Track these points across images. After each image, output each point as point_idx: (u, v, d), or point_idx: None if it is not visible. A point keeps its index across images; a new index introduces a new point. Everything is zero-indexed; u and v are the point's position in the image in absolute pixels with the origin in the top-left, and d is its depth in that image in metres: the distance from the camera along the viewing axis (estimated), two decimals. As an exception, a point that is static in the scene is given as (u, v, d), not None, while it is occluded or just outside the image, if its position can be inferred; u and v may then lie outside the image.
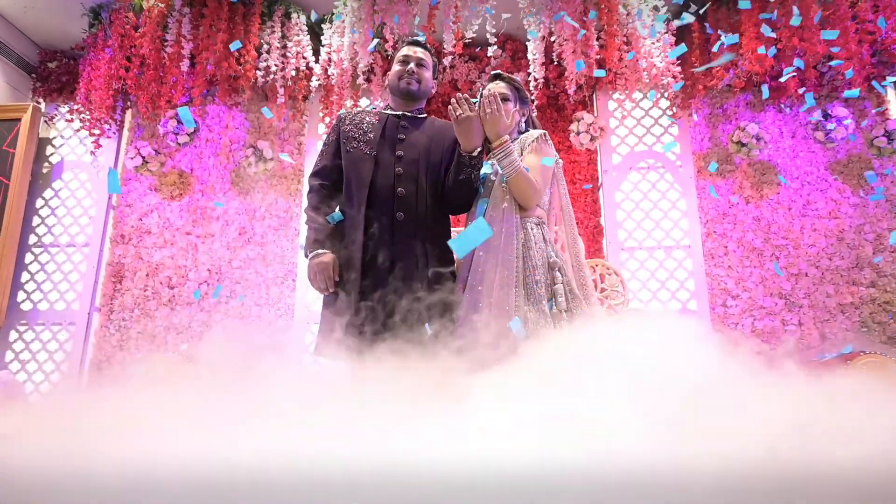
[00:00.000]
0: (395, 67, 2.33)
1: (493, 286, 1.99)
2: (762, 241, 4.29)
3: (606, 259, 4.34)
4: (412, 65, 2.30)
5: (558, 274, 2.07)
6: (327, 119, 4.50)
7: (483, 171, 2.22)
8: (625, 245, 4.40)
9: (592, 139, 4.36)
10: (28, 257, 4.54)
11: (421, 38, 2.40)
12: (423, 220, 2.12)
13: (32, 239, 4.59)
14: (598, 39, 4.01)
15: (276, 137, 4.68)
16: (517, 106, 2.35)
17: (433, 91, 2.44)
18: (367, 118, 2.30)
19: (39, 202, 4.64)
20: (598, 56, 3.87)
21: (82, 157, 4.71)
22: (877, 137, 4.15)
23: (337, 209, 2.22)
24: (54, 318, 4.44)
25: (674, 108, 4.43)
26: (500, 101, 2.22)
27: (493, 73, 2.43)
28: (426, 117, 2.37)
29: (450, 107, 2.10)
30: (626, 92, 4.25)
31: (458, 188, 2.14)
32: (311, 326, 4.34)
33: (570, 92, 3.92)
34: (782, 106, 4.45)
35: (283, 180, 4.65)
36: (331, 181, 2.24)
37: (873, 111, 4.31)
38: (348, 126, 2.28)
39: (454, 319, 1.98)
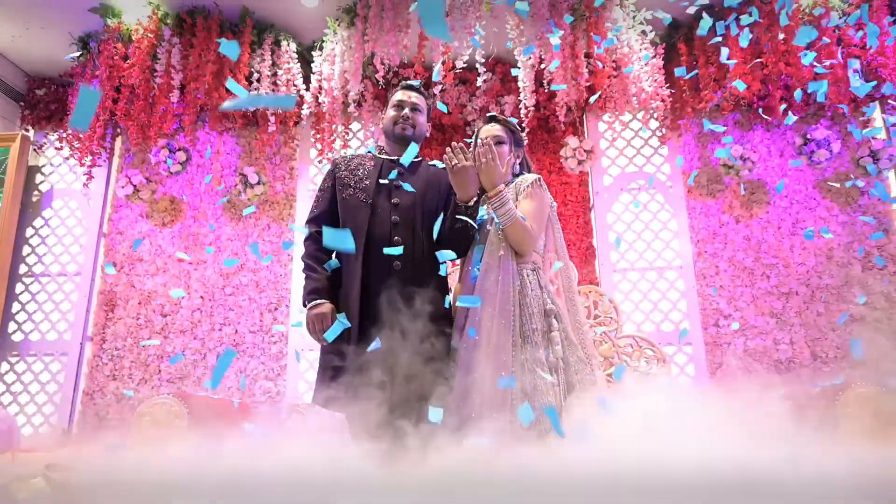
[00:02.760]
0: (390, 112, 2.34)
1: (491, 335, 2.00)
2: (753, 261, 4.32)
3: (599, 279, 4.37)
4: (406, 110, 2.32)
5: (554, 321, 2.08)
6: (318, 145, 4.51)
7: (479, 215, 2.23)
8: (617, 266, 4.42)
9: (580, 163, 4.38)
10: (18, 287, 4.51)
11: (415, 84, 2.41)
12: (420, 269, 2.12)
13: (23, 269, 4.55)
14: (587, 66, 4.04)
15: (267, 163, 4.68)
16: (512, 148, 2.37)
17: (427, 134, 2.46)
18: (363, 163, 2.31)
19: (29, 231, 4.61)
20: (588, 83, 3.90)
21: (72, 185, 4.69)
22: (862, 157, 4.20)
23: (334, 255, 2.22)
24: (46, 348, 4.41)
25: (663, 130, 4.46)
26: (495, 150, 2.24)
27: (487, 115, 2.45)
28: (421, 160, 2.39)
29: (445, 156, 2.11)
30: (616, 113, 4.28)
31: (455, 236, 2.15)
32: (306, 353, 4.34)
33: (561, 118, 3.94)
34: (770, 125, 4.49)
35: (276, 205, 4.65)
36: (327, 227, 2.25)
37: (860, 130, 4.36)
38: (343, 172, 2.29)
39: (450, 373, 1.99)
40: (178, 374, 4.33)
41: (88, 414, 4.25)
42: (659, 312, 4.32)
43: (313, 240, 2.23)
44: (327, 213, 2.26)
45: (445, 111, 3.52)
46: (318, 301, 2.09)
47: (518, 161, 2.42)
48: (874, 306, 4.14)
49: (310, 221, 2.28)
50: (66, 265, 4.56)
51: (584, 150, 4.38)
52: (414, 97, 2.36)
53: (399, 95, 2.36)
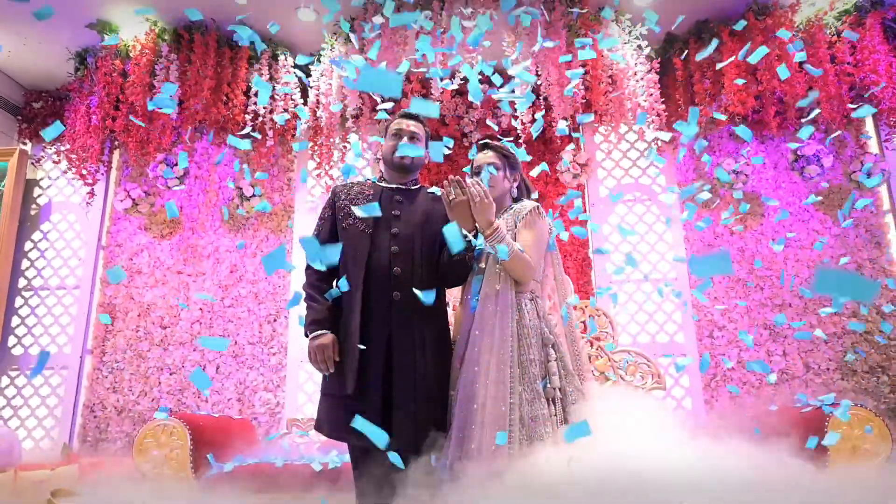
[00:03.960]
0: (389, 142, 2.36)
1: (490, 366, 2.04)
2: (747, 272, 4.37)
3: (594, 290, 4.41)
4: (405, 139, 2.34)
5: (552, 351, 2.12)
6: (317, 159, 4.52)
7: (477, 247, 2.26)
8: (613, 278, 4.47)
9: (575, 176, 4.42)
10: (18, 301, 4.53)
11: (413, 112, 2.42)
12: (419, 299, 2.15)
13: (22, 282, 4.57)
14: (584, 81, 4.07)
15: (265, 173, 4.69)
16: (507, 173, 2.40)
17: (426, 162, 2.48)
18: (363, 192, 2.33)
19: (28, 245, 4.62)
20: (584, 99, 3.93)
21: (70, 198, 4.70)
22: (854, 172, 4.25)
23: (335, 285, 2.25)
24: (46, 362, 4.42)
25: (658, 143, 4.50)
26: (489, 177, 2.27)
27: (481, 142, 2.47)
28: (420, 188, 2.41)
29: (442, 191, 2.14)
30: (612, 125, 4.32)
31: (453, 267, 2.18)
32: (305, 365, 4.37)
33: (557, 136, 3.97)
34: (765, 137, 4.54)
35: (274, 217, 4.67)
36: None
37: (852, 143, 4.40)
38: (343, 201, 2.31)
39: (451, 402, 2.04)
40: (178, 387, 4.36)
41: (89, 427, 4.29)
42: (654, 324, 4.37)
43: (314, 269, 2.25)
44: (328, 241, 2.29)
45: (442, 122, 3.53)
46: (320, 332, 2.12)
47: (516, 184, 2.44)
48: (865, 319, 4.20)
49: None
50: (65, 278, 4.58)
51: (578, 164, 4.41)
52: (412, 126, 2.38)
53: (398, 124, 2.38)
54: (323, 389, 2.20)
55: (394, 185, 2.35)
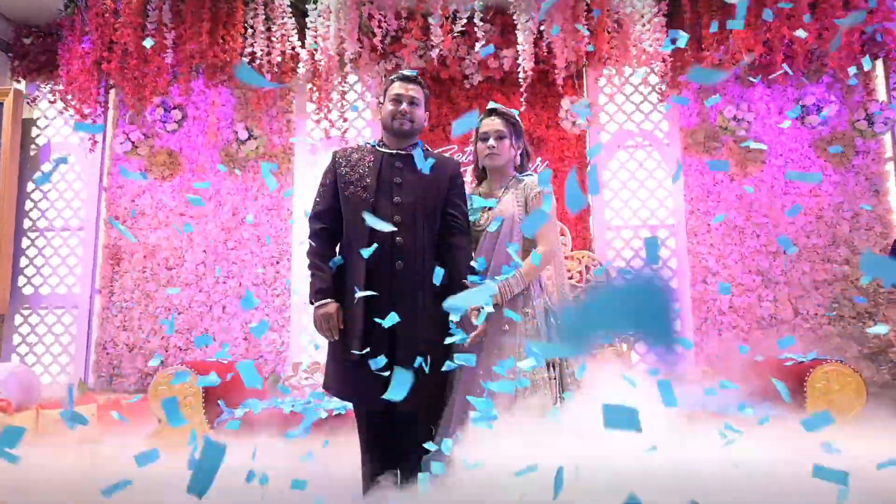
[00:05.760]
0: (388, 107, 2.34)
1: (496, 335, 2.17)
2: (744, 219, 4.41)
3: (593, 236, 4.47)
4: (404, 104, 2.32)
5: (552, 320, 2.24)
6: (315, 96, 4.46)
7: (490, 227, 2.30)
8: (611, 224, 4.52)
9: (574, 124, 4.38)
10: (25, 242, 4.60)
11: (412, 74, 2.40)
12: (422, 268, 2.21)
13: (27, 223, 4.63)
14: (587, 20, 3.96)
15: (264, 114, 4.65)
16: (512, 140, 2.41)
17: (426, 124, 2.47)
18: (363, 158, 2.34)
19: (30, 186, 4.64)
20: (589, 44, 3.84)
21: (68, 139, 4.68)
22: (858, 121, 4.21)
23: (338, 253, 2.31)
24: (57, 301, 4.56)
25: (663, 86, 4.42)
26: (498, 142, 2.31)
27: (487, 108, 2.46)
28: (421, 151, 2.41)
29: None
30: (616, 67, 4.24)
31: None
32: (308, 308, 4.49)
33: (559, 79, 3.91)
34: (771, 82, 4.45)
35: (274, 159, 4.66)
36: (331, 223, 2.31)
37: (860, 89, 4.33)
38: (344, 168, 2.32)
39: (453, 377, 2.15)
40: (186, 326, 4.50)
41: (102, 364, 4.46)
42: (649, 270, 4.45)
43: (318, 237, 2.30)
44: (330, 209, 2.32)
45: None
46: (324, 301, 2.20)
47: (519, 152, 2.46)
48: (858, 266, 4.28)
49: (314, 217, 2.33)
50: (69, 219, 4.63)
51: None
52: (412, 90, 2.36)
53: (397, 88, 2.35)
54: (329, 352, 2.30)
55: (394, 151, 2.35)
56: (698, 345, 4.31)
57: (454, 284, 2.13)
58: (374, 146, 2.40)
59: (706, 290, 4.37)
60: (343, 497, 2.14)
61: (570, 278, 3.70)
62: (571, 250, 3.78)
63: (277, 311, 4.52)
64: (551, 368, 2.18)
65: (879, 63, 4.33)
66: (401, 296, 2.18)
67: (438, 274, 1.92)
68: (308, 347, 4.46)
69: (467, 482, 1.65)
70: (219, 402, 2.95)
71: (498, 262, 2.24)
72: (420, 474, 1.82)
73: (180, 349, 4.47)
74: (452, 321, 2.09)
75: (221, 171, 4.59)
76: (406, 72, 2.41)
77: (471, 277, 2.17)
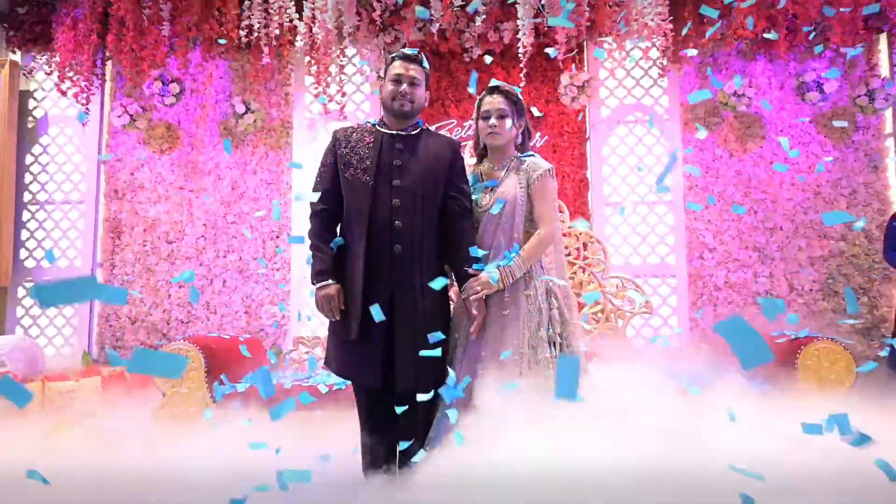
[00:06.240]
0: (388, 87, 2.33)
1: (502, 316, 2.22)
2: (742, 195, 4.42)
3: (591, 211, 4.48)
4: (405, 85, 2.31)
5: (553, 300, 2.27)
6: (314, 69, 4.42)
7: (493, 209, 2.33)
8: (609, 200, 4.53)
9: (573, 99, 4.36)
10: (25, 215, 4.62)
11: (412, 52, 2.38)
12: (420, 252, 2.24)
13: (27, 196, 4.64)
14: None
15: (262, 87, 4.62)
16: (514, 119, 2.41)
17: (426, 103, 2.47)
18: (363, 139, 2.34)
19: (29, 158, 4.64)
20: (589, 20, 3.80)
21: (66, 111, 4.66)
22: (859, 97, 4.19)
23: (339, 234, 2.34)
24: (58, 274, 4.59)
25: (664, 61, 4.38)
26: (498, 123, 2.32)
27: (490, 85, 2.45)
28: (421, 131, 2.41)
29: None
30: (617, 41, 4.20)
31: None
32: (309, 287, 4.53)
33: (560, 55, 3.88)
34: (773, 56, 4.41)
35: (272, 132, 4.65)
36: (331, 205, 2.32)
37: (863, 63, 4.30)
38: (344, 149, 2.33)
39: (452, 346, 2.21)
40: (186, 299, 4.55)
41: (106, 335, 4.53)
42: (647, 246, 4.48)
43: (319, 217, 2.31)
44: (331, 190, 2.33)
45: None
46: (325, 282, 2.23)
47: (520, 130, 2.47)
48: (853, 242, 4.31)
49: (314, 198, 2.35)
50: (69, 193, 4.64)
51: (576, 87, 4.34)
52: (412, 70, 2.34)
53: (397, 69, 2.34)
54: (330, 331, 2.34)
55: (394, 132, 2.35)
56: (693, 320, 4.37)
57: (460, 273, 2.21)
58: (374, 125, 2.40)
59: (703, 266, 4.41)
60: (344, 480, 2.20)
61: (568, 255, 3.73)
62: (569, 226, 3.80)
63: (277, 285, 4.56)
64: (552, 348, 2.23)
65: (883, 38, 4.28)
66: (399, 279, 2.21)
67: (438, 283, 1.97)
68: (310, 323, 4.53)
69: (467, 482, 1.72)
70: (221, 376, 3.01)
71: (500, 244, 2.26)
72: (420, 451, 1.88)
73: (182, 322, 4.53)
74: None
75: (225, 146, 4.58)
76: (407, 50, 2.40)
77: (474, 265, 2.21)
